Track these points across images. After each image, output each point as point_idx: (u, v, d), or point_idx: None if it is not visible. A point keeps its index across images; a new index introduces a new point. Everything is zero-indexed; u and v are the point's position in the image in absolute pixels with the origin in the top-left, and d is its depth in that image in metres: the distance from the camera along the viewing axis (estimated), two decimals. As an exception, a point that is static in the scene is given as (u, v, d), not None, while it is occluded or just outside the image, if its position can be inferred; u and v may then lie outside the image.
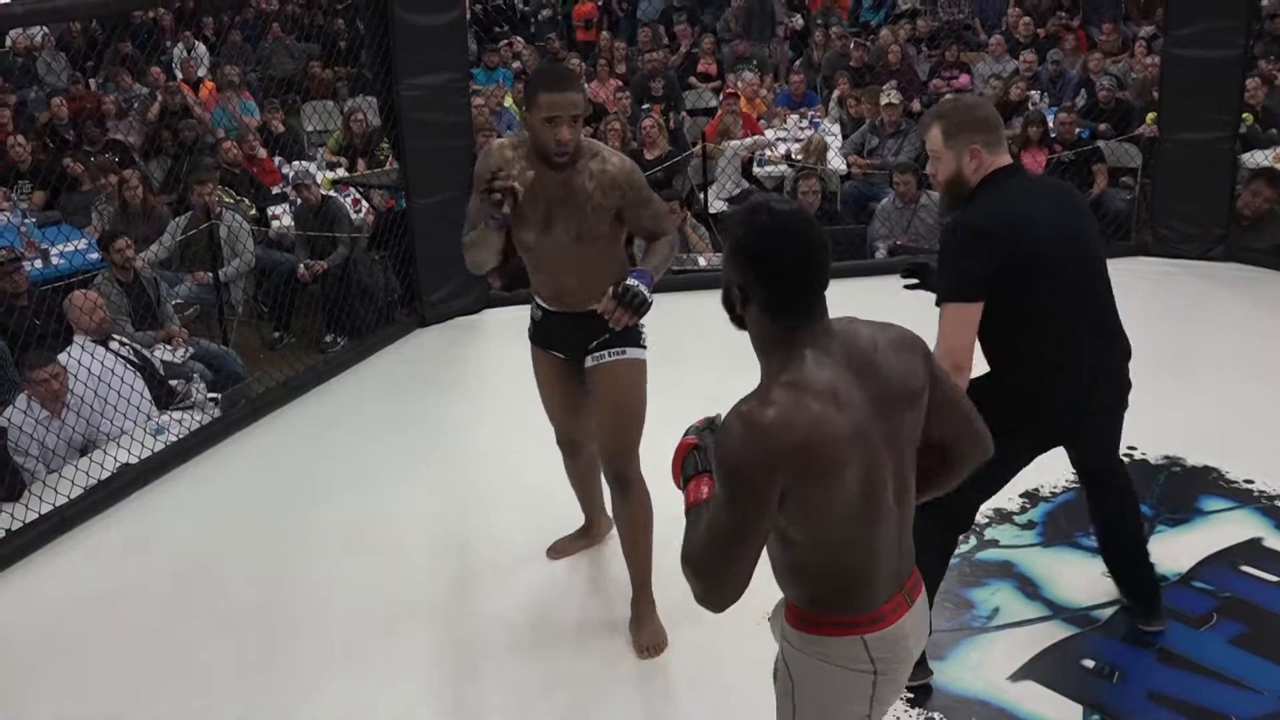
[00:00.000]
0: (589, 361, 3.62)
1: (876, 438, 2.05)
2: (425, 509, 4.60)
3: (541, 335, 3.76)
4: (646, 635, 3.68)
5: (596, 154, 3.43)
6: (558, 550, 4.19)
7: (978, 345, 3.07)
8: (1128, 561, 3.56)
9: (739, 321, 2.15)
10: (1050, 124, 8.66)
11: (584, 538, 4.22)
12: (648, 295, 3.31)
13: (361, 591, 4.09)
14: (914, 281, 3.40)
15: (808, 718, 2.22)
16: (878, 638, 2.14)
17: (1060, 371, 3.10)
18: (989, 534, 4.18)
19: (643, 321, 3.56)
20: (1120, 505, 3.48)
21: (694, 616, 3.63)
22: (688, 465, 2.21)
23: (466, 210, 3.52)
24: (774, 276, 2.05)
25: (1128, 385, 3.27)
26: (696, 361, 5.22)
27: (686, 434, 2.26)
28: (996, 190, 3.06)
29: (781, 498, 2.00)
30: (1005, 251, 2.97)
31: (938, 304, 3.04)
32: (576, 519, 4.21)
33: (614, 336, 3.57)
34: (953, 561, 3.96)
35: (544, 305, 3.71)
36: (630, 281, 3.31)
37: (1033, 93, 9.90)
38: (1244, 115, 7.33)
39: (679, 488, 2.23)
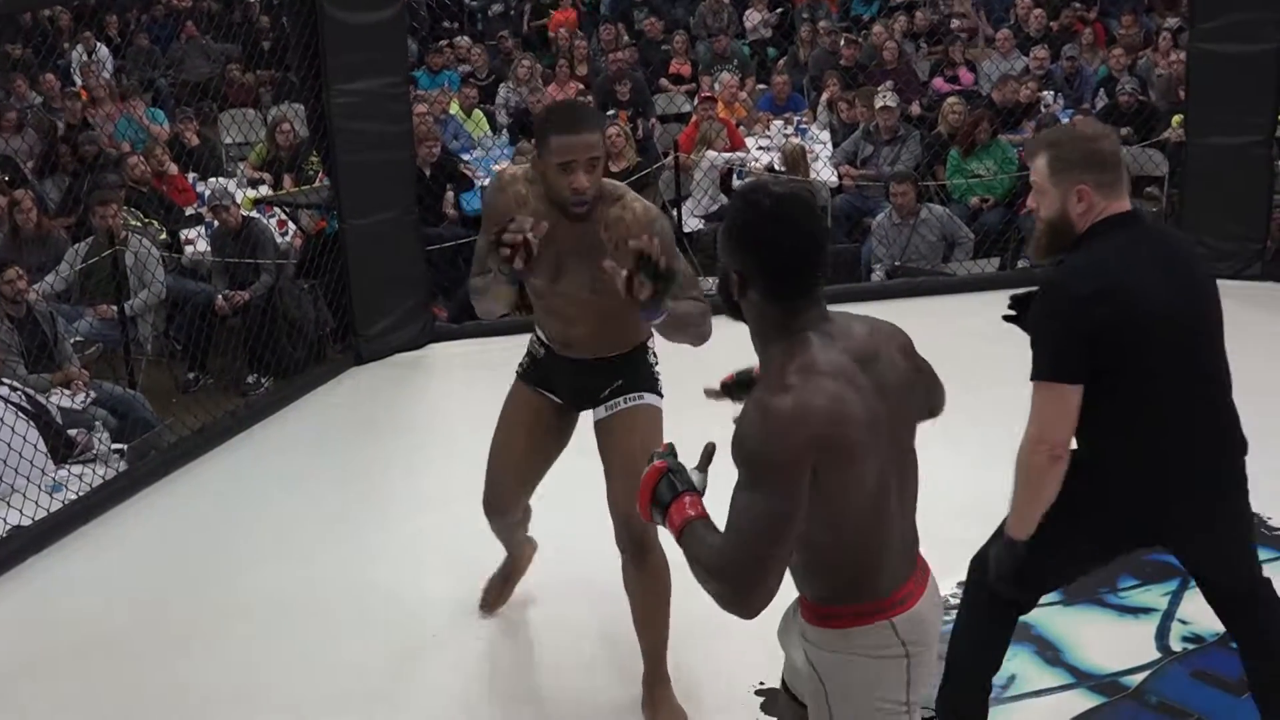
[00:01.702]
0: (601, 412, 3.64)
1: (883, 422, 2.25)
2: (363, 575, 4.58)
3: (538, 373, 3.75)
4: (664, 716, 3.68)
5: (619, 199, 3.40)
6: (489, 604, 4.24)
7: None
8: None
9: (735, 310, 2.33)
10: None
11: (510, 578, 4.25)
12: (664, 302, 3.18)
13: (288, 673, 4.06)
14: (1013, 314, 3.20)
15: (846, 717, 2.36)
16: (905, 619, 2.33)
17: (1139, 466, 3.02)
18: (1003, 592, 4.20)
19: (653, 359, 3.65)
20: (1264, 633, 3.19)
21: (709, 685, 3.66)
22: (662, 490, 2.34)
23: (475, 250, 3.53)
24: (775, 261, 2.23)
25: (1237, 483, 3.10)
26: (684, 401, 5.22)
27: (650, 461, 2.39)
28: (1101, 245, 2.96)
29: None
30: (1101, 332, 2.88)
31: (1033, 378, 2.95)
32: (545, 579, 4.20)
33: (629, 381, 3.60)
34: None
35: (549, 343, 3.69)
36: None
37: (1045, 93, 10.02)
38: (1281, 117, 7.45)
39: (649, 518, 2.38)
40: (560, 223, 3.37)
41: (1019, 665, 3.84)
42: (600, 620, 4.10)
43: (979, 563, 3.23)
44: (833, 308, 2.33)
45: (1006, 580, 3.11)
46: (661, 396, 3.67)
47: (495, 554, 4.47)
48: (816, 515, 2.21)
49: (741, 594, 2.19)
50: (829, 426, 2.16)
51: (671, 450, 2.42)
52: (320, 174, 7.84)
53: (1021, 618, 3.97)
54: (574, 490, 4.01)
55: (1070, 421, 2.92)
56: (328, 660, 4.10)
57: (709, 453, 2.42)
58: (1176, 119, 7.92)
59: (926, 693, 2.47)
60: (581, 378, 3.65)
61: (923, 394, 2.48)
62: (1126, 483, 3.02)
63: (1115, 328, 2.87)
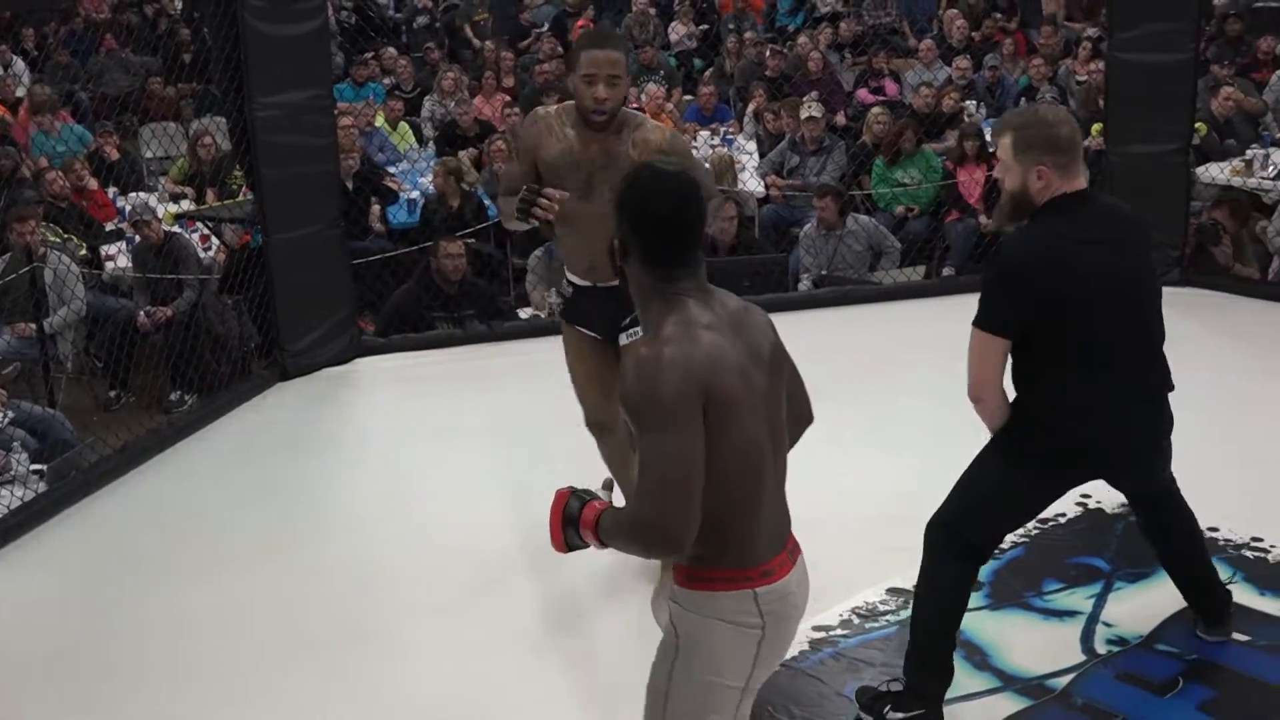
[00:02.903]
0: (623, 339, 3.96)
1: (758, 388, 2.44)
2: (294, 592, 4.54)
3: (573, 311, 4.13)
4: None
5: (640, 125, 3.91)
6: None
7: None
8: (1201, 570, 3.88)
9: (620, 275, 2.55)
10: (988, 137, 8.88)
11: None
12: None
13: (217, 694, 4.00)
14: None
15: (688, 681, 2.48)
16: (768, 591, 2.47)
17: (1087, 421, 3.38)
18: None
19: None
20: (1185, 517, 3.82)
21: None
22: (571, 505, 2.53)
23: (505, 172, 4.03)
24: (649, 228, 2.45)
25: (1170, 421, 3.57)
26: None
27: (558, 493, 2.57)
28: (1055, 219, 3.32)
29: None
30: (1034, 298, 3.26)
31: (973, 324, 3.34)
32: (491, 600, 4.17)
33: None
34: (889, 631, 4.04)
35: (575, 281, 4.08)
36: None
37: (968, 102, 10.15)
38: (1197, 125, 7.59)
39: (561, 542, 2.54)
40: (592, 143, 3.88)
41: (947, 670, 3.87)
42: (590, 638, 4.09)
43: (935, 527, 3.54)
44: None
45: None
46: None
47: (426, 567, 4.45)
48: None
49: (667, 528, 2.31)
50: (708, 372, 2.33)
51: (574, 491, 2.58)
52: (244, 188, 7.77)
53: (949, 623, 4.02)
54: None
55: (993, 368, 3.31)
56: (258, 680, 4.05)
57: (609, 483, 2.64)
58: (1096, 127, 8.03)
59: (766, 677, 2.59)
60: (608, 306, 3.95)
61: (794, 391, 2.63)
62: (1076, 431, 3.37)
63: (1061, 295, 3.24)
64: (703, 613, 2.45)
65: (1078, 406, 3.35)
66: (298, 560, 4.76)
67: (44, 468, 5.51)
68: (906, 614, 4.15)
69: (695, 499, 2.32)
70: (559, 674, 3.89)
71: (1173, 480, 3.76)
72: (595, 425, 4.22)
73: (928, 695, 3.55)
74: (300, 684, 4.01)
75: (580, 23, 13.15)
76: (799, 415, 2.68)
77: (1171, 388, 3.53)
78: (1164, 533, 3.84)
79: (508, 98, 11.01)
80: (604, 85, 3.78)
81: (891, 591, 4.27)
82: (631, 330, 3.91)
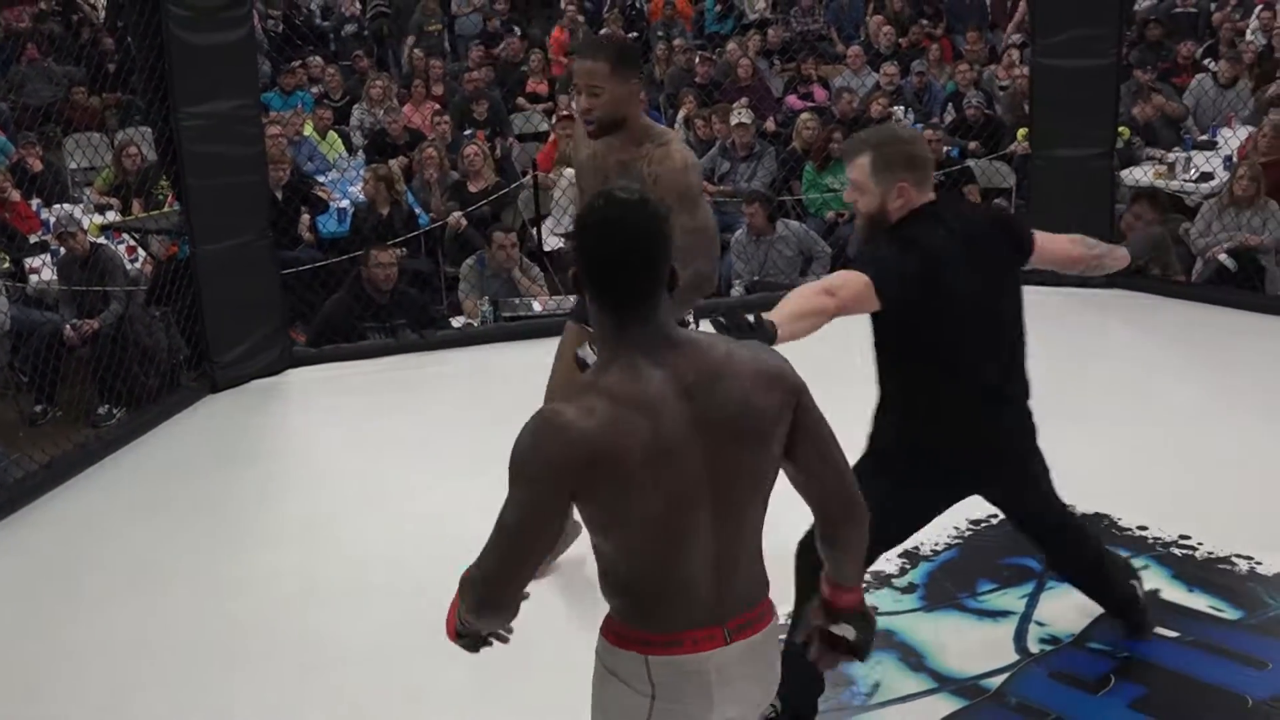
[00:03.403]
0: (580, 351, 3.77)
1: (692, 461, 2.19)
2: (222, 607, 4.48)
3: (581, 310, 4.00)
4: None
5: (665, 143, 3.78)
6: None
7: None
8: (1112, 592, 3.88)
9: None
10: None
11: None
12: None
13: (149, 712, 3.95)
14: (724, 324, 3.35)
15: None
16: (664, 662, 2.26)
17: (940, 426, 3.39)
18: (866, 599, 4.25)
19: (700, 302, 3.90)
20: (1087, 550, 3.77)
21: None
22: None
23: None
24: (595, 264, 2.19)
25: (1029, 431, 3.54)
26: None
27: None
28: (913, 229, 3.29)
29: (576, 497, 2.18)
30: (911, 296, 3.22)
31: (845, 266, 3.28)
32: (419, 608, 4.12)
33: None
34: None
35: None
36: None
37: (896, 109, 10.24)
38: (1120, 130, 7.70)
39: (454, 636, 2.45)
40: (611, 152, 3.83)
41: (883, 672, 3.90)
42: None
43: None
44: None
45: None
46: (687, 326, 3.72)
47: (364, 579, 4.41)
48: (599, 531, 2.24)
49: (487, 597, 2.25)
50: (592, 455, 2.12)
51: None
52: (170, 198, 7.67)
53: (883, 625, 4.06)
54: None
55: (853, 304, 3.17)
56: (190, 697, 4.00)
57: None
58: (1022, 132, 8.15)
59: None
60: None
61: (814, 468, 2.35)
62: (946, 437, 3.39)
63: (923, 300, 3.22)
64: (603, 662, 2.34)
65: (932, 413, 3.37)
66: (228, 573, 4.70)
67: (-32, 485, 5.41)
68: (918, 574, 4.19)
69: (522, 572, 2.22)
70: (494, 682, 3.87)
71: (1065, 511, 3.69)
72: None
73: (805, 713, 3.55)
74: (231, 698, 3.97)
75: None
76: (826, 493, 2.37)
77: (1029, 395, 3.50)
78: (1071, 567, 3.81)
79: (437, 106, 10.97)
80: (585, 95, 3.74)
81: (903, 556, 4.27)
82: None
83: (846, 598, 2.52)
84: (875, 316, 3.32)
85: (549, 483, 2.15)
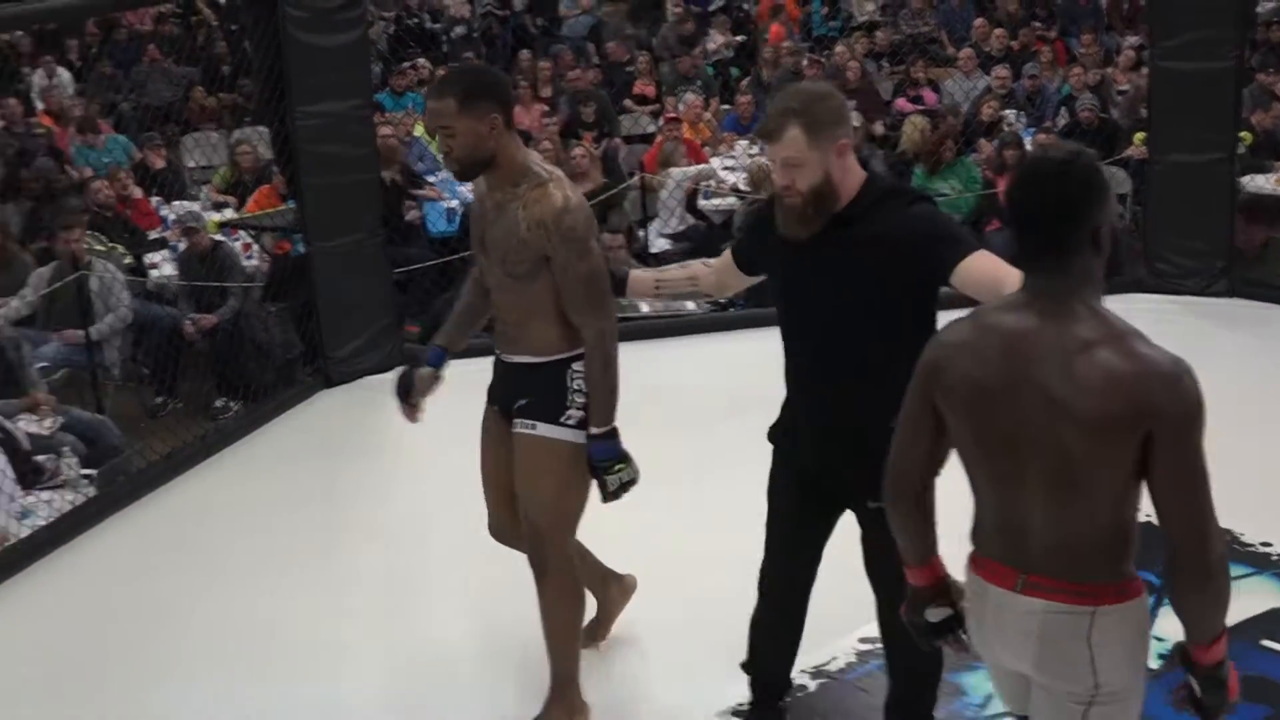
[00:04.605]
0: (516, 426, 3.53)
1: (1008, 411, 2.31)
2: (336, 601, 4.55)
3: (492, 383, 3.69)
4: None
5: (543, 184, 3.34)
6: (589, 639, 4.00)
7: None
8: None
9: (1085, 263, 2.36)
10: (1029, 147, 8.84)
11: (601, 621, 4.08)
12: (622, 474, 3.46)
13: (260, 700, 4.02)
14: None
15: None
16: (971, 578, 2.51)
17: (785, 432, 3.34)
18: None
19: (576, 385, 3.45)
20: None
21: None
22: None
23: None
24: (1012, 213, 2.37)
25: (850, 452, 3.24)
26: (646, 424, 5.21)
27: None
28: (914, 193, 3.15)
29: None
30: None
31: (958, 260, 2.94)
32: (531, 605, 4.18)
33: (533, 403, 3.47)
34: (940, 641, 4.00)
35: (496, 345, 3.62)
36: (594, 459, 3.44)
37: (1008, 111, 10.11)
38: (1242, 134, 7.53)
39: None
40: (488, 196, 3.43)
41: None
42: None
43: None
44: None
45: None
46: (570, 427, 3.46)
47: (472, 574, 4.45)
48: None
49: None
50: (935, 362, 2.42)
51: None
52: (283, 196, 7.80)
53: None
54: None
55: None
56: (301, 688, 4.06)
57: None
58: (1139, 136, 8.00)
59: None
60: (505, 381, 3.58)
61: (1164, 494, 2.31)
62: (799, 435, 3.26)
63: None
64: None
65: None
66: (339, 566, 4.77)
67: (93, 473, 5.55)
68: None
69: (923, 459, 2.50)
70: (604, 680, 3.88)
71: None
72: (494, 532, 3.82)
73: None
74: (339, 687, 4.02)
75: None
76: (1174, 537, 2.30)
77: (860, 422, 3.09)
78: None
79: (545, 107, 11.03)
80: (441, 137, 3.36)
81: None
82: (516, 420, 3.49)
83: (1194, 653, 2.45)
84: (929, 287, 3.03)
85: (917, 383, 2.47)
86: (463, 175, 3.42)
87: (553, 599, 3.61)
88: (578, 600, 3.67)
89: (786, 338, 3.20)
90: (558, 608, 3.62)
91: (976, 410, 2.34)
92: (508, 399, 3.57)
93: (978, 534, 2.49)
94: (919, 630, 2.68)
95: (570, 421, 3.46)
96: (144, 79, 12.34)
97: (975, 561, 2.50)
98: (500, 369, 3.60)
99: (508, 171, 3.37)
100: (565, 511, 3.54)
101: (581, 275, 3.35)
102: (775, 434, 3.35)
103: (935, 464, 2.52)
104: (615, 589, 4.09)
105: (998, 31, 11.71)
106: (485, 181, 3.44)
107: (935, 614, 2.62)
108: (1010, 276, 2.69)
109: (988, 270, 2.90)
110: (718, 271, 3.48)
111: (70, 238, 7.16)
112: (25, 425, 5.89)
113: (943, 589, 2.63)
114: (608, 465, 3.45)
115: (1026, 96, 10.60)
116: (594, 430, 3.44)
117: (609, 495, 3.50)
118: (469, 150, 3.32)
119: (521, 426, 3.49)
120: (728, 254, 3.41)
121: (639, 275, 3.64)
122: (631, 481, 3.50)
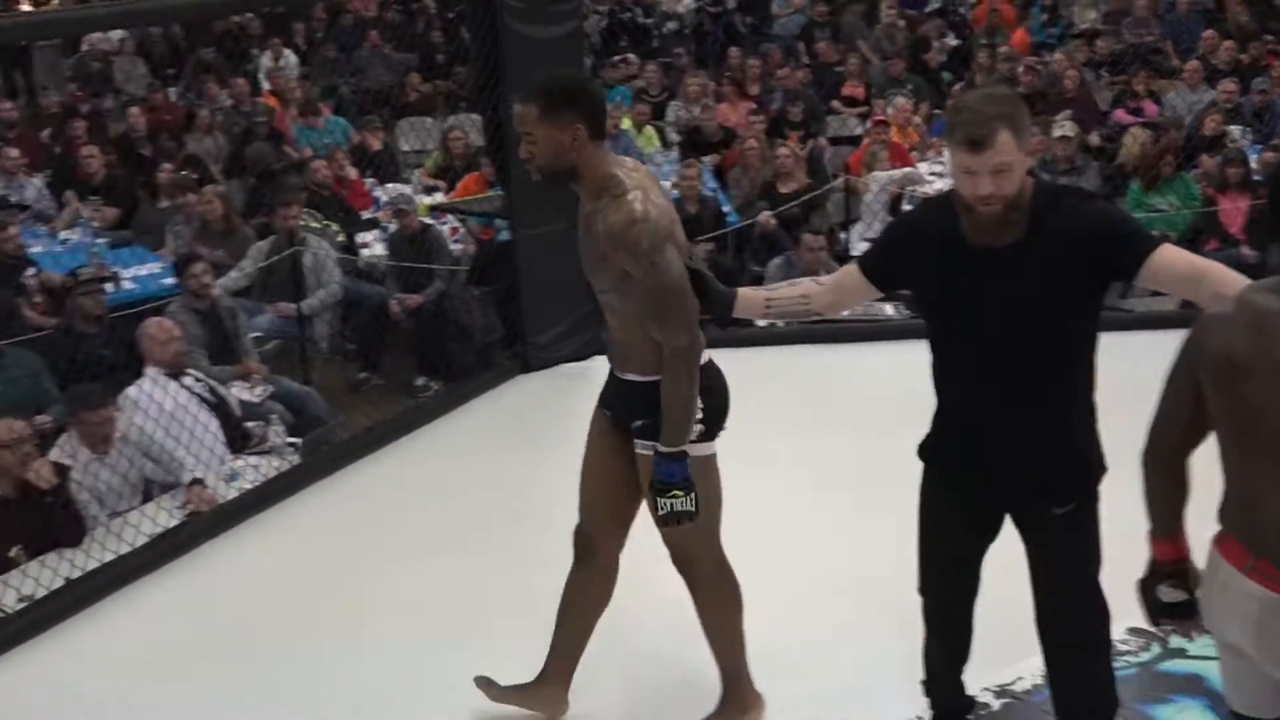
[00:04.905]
0: (637, 446, 3.45)
1: (1253, 387, 2.35)
2: (526, 579, 4.60)
3: (604, 390, 3.61)
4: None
5: (620, 194, 3.23)
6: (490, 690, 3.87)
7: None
8: None
9: None
10: (1254, 164, 8.49)
11: (525, 694, 3.85)
12: (676, 503, 3.28)
13: (446, 674, 4.08)
14: None
15: None
16: (1212, 553, 2.52)
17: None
18: (1175, 641, 4.07)
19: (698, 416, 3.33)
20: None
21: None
22: None
23: None
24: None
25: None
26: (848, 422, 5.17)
27: None
28: (1078, 196, 3.11)
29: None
30: None
31: (1149, 253, 2.89)
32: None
33: (649, 425, 3.34)
34: (1130, 672, 3.89)
35: (608, 358, 3.59)
36: (654, 477, 3.30)
37: (1232, 127, 9.72)
38: None
39: None
40: (581, 210, 3.36)
41: (1191, 718, 3.73)
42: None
43: None
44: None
45: None
46: (689, 443, 3.32)
47: (649, 567, 4.45)
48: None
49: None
50: (1201, 338, 2.47)
51: None
52: (490, 183, 7.96)
53: (1192, 669, 3.87)
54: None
55: None
56: (487, 664, 4.12)
57: None
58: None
59: None
60: (617, 395, 3.49)
61: None
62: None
63: None
64: None
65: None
66: (530, 546, 4.83)
67: (299, 441, 5.75)
68: (1148, 655, 4.02)
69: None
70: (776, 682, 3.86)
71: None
72: (576, 535, 3.74)
73: None
74: (523, 665, 4.07)
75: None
76: None
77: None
78: None
79: (753, 105, 11.02)
80: (524, 142, 3.28)
81: (1132, 631, 4.10)
82: (645, 443, 3.36)
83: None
84: (1111, 281, 3.03)
85: (1186, 357, 2.52)
86: (546, 182, 3.33)
87: (710, 612, 3.62)
88: (734, 606, 3.64)
89: (954, 347, 3.10)
90: (716, 618, 3.62)
91: (1226, 383, 2.39)
92: (620, 414, 3.50)
93: (1223, 512, 2.52)
94: (1150, 605, 2.71)
95: (690, 437, 3.33)
96: (364, 64, 12.74)
97: (1218, 537, 2.53)
98: (613, 383, 3.52)
99: (591, 183, 3.28)
100: (701, 526, 3.45)
101: (650, 290, 3.22)
102: (929, 450, 3.25)
103: (1193, 434, 2.54)
104: (549, 689, 3.85)
105: (1227, 44, 11.28)
106: (580, 193, 3.36)
107: (1169, 594, 2.64)
108: (1212, 267, 2.83)
109: (1184, 260, 2.90)
110: (832, 290, 3.33)
111: (288, 214, 7.43)
112: (237, 392, 6.15)
113: (1181, 570, 2.65)
114: (666, 488, 3.29)
115: (1254, 112, 10.17)
116: (661, 448, 3.28)
117: (659, 521, 3.36)
118: (549, 159, 3.25)
119: (642, 448, 3.40)
120: (850, 271, 3.29)
121: (748, 294, 3.47)
122: (687, 515, 3.30)
